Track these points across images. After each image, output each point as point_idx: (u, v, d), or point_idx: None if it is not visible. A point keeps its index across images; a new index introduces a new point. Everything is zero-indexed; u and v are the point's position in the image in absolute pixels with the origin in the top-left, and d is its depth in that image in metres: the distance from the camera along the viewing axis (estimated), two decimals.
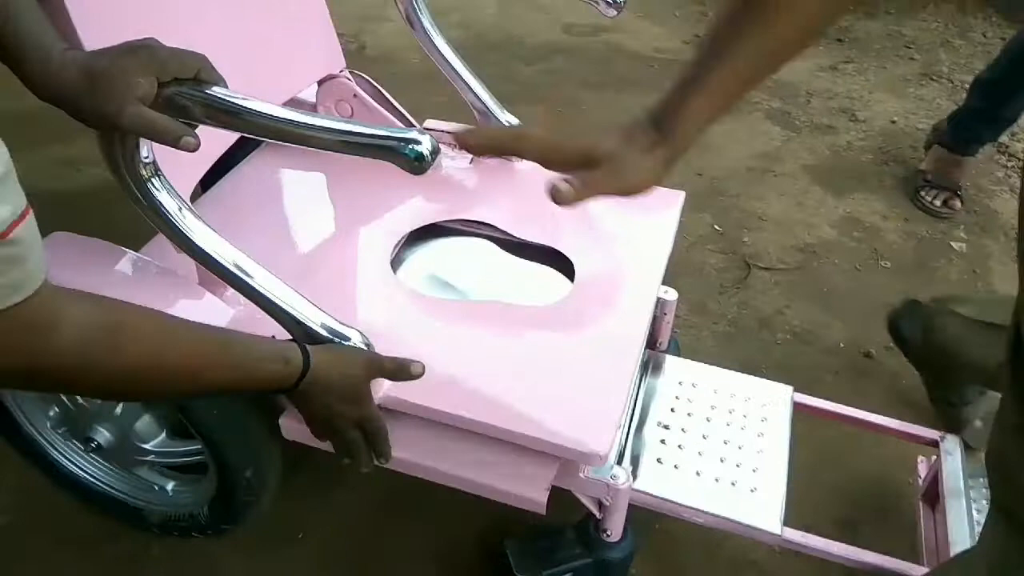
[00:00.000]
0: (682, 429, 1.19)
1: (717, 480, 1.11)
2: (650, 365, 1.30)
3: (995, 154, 2.35)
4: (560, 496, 0.98)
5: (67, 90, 0.72)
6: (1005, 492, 0.62)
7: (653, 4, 3.15)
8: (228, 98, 0.74)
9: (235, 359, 0.79)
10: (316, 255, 1.20)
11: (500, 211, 1.27)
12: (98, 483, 1.25)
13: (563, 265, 1.19)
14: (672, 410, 1.22)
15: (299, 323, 0.90)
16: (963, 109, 2.10)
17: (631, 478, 1.01)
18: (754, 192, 2.16)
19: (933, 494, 1.21)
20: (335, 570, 1.28)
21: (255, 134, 0.77)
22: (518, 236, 1.23)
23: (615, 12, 1.18)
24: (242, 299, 0.92)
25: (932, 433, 1.25)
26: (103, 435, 1.16)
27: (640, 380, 1.26)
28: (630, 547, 1.10)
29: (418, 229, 1.24)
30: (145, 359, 0.70)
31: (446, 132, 1.36)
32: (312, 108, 1.37)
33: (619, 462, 1.09)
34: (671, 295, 1.28)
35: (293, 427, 0.98)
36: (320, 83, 1.34)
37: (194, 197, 1.24)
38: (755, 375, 1.30)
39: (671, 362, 1.31)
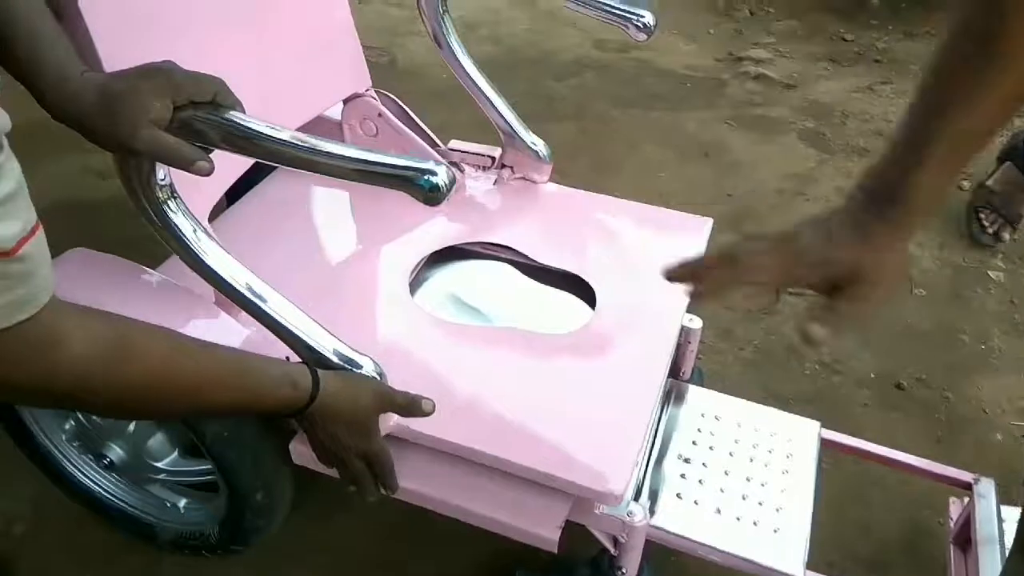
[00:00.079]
0: (703, 463, 1.15)
1: (738, 519, 1.08)
2: (672, 395, 1.27)
3: None
4: (574, 528, 0.95)
5: (82, 112, 0.72)
6: None
7: (686, 21, 3.12)
8: (243, 123, 0.73)
9: (243, 380, 0.78)
10: (335, 274, 1.19)
11: (522, 234, 1.24)
12: (112, 497, 1.24)
13: (584, 291, 1.17)
14: (694, 443, 1.19)
15: (311, 349, 0.88)
16: None
17: (648, 515, 0.98)
18: (785, 215, 2.12)
19: (965, 538, 1.16)
20: None
21: (270, 160, 0.75)
22: (539, 261, 1.21)
23: (645, 36, 1.16)
24: None
25: (966, 475, 1.20)
26: (116, 452, 1.16)
27: (661, 411, 1.23)
28: None
29: (439, 251, 1.23)
30: (151, 378, 0.69)
31: (470, 153, 1.35)
32: (337, 126, 1.37)
33: (636, 498, 1.06)
34: (696, 323, 1.25)
35: (303, 452, 0.97)
36: (346, 101, 1.34)
37: (219, 210, 1.25)
38: (781, 405, 1.26)
39: (694, 392, 1.28)
